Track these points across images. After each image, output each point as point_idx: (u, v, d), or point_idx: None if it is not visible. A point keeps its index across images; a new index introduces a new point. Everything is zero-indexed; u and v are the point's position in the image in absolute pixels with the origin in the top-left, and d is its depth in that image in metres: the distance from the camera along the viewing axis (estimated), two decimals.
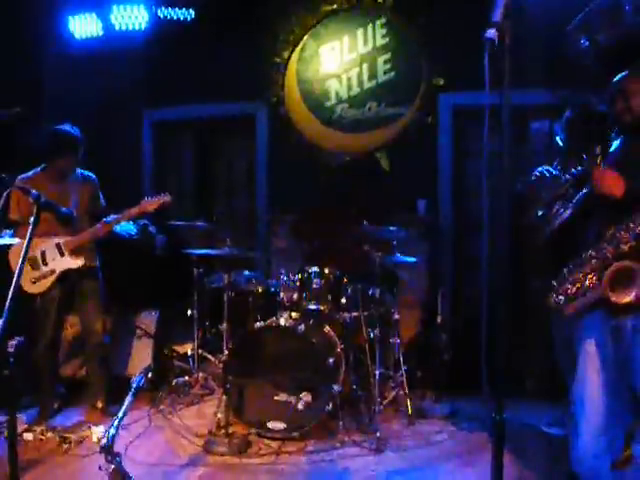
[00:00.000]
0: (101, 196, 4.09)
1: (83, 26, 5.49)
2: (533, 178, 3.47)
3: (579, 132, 3.34)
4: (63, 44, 5.63)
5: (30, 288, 3.80)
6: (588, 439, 2.41)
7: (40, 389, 3.95)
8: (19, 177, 3.72)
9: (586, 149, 3.19)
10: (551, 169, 3.40)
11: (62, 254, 3.79)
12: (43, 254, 3.79)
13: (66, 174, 3.87)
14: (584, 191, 2.88)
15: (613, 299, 2.26)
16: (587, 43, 3.68)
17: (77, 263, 3.82)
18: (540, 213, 3.22)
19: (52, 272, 3.78)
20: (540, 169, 3.44)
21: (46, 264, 3.78)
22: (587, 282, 2.33)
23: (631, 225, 2.29)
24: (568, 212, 3.16)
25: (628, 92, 2.46)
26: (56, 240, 3.79)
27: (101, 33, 5.47)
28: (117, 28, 5.41)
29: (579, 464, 2.46)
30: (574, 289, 2.40)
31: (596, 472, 2.42)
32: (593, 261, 2.35)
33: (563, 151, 3.43)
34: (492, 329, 1.73)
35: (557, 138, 3.51)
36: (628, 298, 2.23)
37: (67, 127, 3.86)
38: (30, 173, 3.83)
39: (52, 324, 3.88)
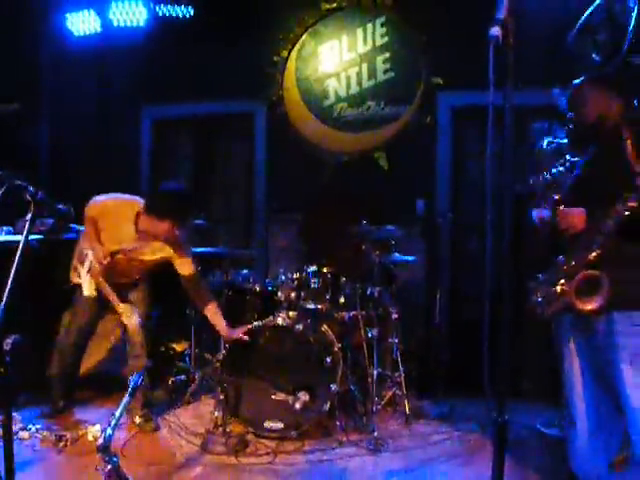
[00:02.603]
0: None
1: (81, 23, 5.46)
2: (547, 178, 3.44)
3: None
4: (61, 41, 5.60)
5: (71, 274, 3.76)
6: (583, 440, 2.42)
7: (52, 384, 3.86)
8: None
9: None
10: (560, 168, 3.37)
11: (88, 271, 3.66)
12: (86, 256, 3.68)
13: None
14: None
15: (579, 306, 2.26)
16: (589, 46, 3.68)
17: (86, 290, 3.66)
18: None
19: (79, 276, 3.71)
20: (554, 170, 3.43)
21: (82, 265, 3.69)
22: (558, 288, 2.33)
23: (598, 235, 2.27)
24: None
25: (578, 104, 2.47)
26: (92, 259, 3.64)
27: (100, 30, 5.44)
28: (116, 25, 5.39)
29: (577, 465, 2.46)
30: (549, 293, 2.41)
31: (593, 473, 2.42)
32: (565, 267, 2.34)
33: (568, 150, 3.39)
34: (492, 330, 1.72)
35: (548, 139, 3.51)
36: (591, 306, 2.23)
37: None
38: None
39: (84, 320, 3.76)
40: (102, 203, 3.57)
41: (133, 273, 3.67)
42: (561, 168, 3.30)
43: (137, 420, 3.66)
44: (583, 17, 3.68)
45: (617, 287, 2.19)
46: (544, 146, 3.58)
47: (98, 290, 3.67)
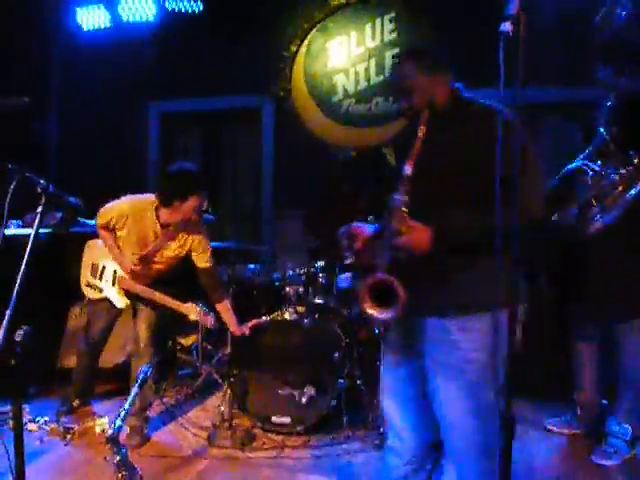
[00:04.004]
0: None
1: (91, 18, 5.49)
2: (569, 174, 3.30)
3: (625, 121, 3.14)
4: (71, 36, 5.63)
5: (83, 289, 3.70)
6: None
7: (71, 383, 3.85)
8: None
9: (633, 140, 3.08)
10: (591, 164, 3.22)
11: (113, 283, 3.60)
12: (103, 269, 3.63)
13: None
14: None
15: (369, 313, 1.89)
16: (624, 14, 3.52)
17: (119, 302, 3.59)
18: (575, 214, 3.14)
19: (100, 290, 3.64)
20: (578, 164, 3.27)
21: (100, 279, 3.64)
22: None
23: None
24: (607, 218, 3.07)
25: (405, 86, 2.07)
26: (117, 267, 3.57)
27: (109, 25, 5.46)
28: (125, 20, 5.41)
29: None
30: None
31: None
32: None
33: (606, 144, 3.20)
34: None
35: (601, 130, 3.25)
36: (382, 315, 1.87)
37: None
38: None
39: (97, 330, 3.70)
40: (118, 207, 3.45)
41: (152, 274, 3.62)
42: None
43: (127, 430, 3.42)
44: None
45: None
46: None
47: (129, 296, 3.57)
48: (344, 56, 5.35)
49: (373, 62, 5.27)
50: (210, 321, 3.40)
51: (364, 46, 5.29)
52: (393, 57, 5.19)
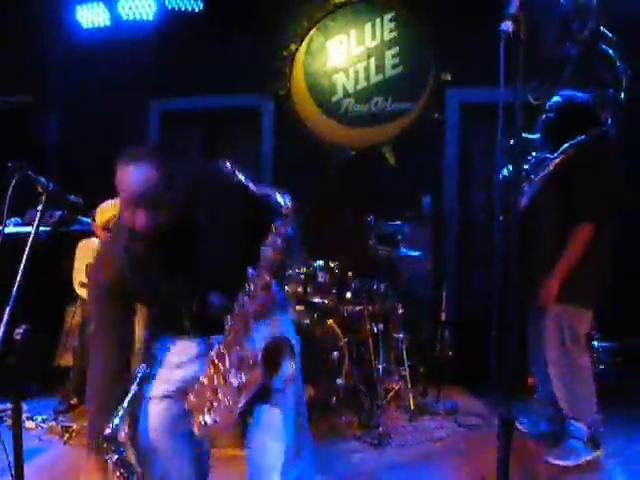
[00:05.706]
0: None
1: (90, 16, 5.46)
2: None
3: (551, 129, 3.28)
4: (70, 34, 5.61)
5: (77, 289, 3.72)
6: None
7: (68, 381, 3.88)
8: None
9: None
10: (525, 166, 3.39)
11: None
12: None
13: None
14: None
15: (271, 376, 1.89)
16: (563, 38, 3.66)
17: None
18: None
19: None
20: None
21: None
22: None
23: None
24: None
25: None
26: None
27: (108, 23, 5.44)
28: (125, 18, 5.39)
29: None
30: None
31: None
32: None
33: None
34: (499, 326, 1.72)
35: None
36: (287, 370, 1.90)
37: None
38: None
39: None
40: (118, 206, 3.47)
41: None
42: (526, 166, 3.32)
43: (125, 429, 3.48)
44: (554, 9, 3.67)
45: None
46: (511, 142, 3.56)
47: None
48: (344, 55, 5.35)
49: (373, 61, 5.27)
50: None
51: (364, 45, 5.28)
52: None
